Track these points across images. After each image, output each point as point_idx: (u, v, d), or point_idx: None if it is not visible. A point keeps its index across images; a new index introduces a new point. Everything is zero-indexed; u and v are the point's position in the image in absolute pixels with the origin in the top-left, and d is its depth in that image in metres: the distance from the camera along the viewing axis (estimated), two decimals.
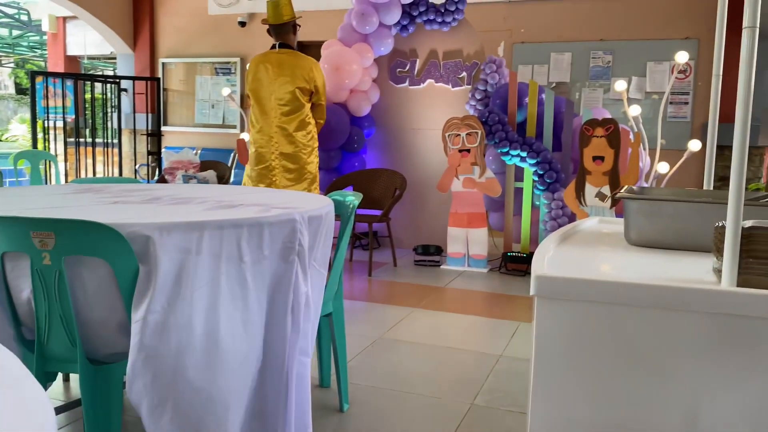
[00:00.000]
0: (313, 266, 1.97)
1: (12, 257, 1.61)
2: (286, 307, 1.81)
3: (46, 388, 1.89)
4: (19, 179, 6.03)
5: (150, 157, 8.07)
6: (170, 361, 1.59)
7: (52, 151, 7.16)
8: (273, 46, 4.27)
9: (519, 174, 5.16)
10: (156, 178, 7.50)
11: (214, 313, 1.66)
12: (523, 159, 4.95)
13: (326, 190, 5.49)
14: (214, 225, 1.66)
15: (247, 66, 4.33)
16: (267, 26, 4.36)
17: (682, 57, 4.59)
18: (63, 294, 1.56)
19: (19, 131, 15.12)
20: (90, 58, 10.14)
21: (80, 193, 2.33)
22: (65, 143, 7.46)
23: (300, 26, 4.38)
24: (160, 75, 8.56)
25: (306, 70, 4.22)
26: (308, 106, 4.29)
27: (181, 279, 1.62)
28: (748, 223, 1.05)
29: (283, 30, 4.24)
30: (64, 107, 7.30)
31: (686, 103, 6.37)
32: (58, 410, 2.34)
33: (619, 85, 4.81)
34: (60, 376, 2.65)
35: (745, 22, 0.99)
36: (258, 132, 4.17)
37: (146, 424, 1.58)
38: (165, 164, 5.43)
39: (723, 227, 1.06)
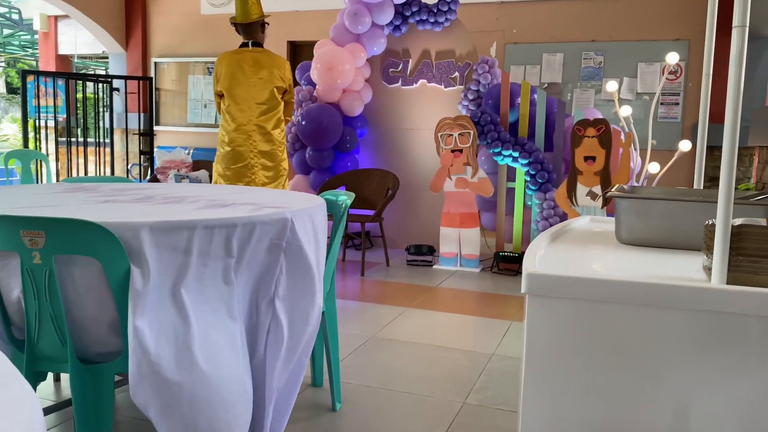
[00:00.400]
0: (303, 266, 1.97)
1: (2, 256, 1.60)
2: (266, 303, 1.82)
3: (35, 388, 1.88)
4: (10, 179, 5.99)
5: (142, 156, 8.04)
6: (173, 360, 1.59)
7: (44, 151, 7.12)
8: (244, 44, 4.24)
9: (511, 174, 5.17)
10: (148, 177, 7.47)
11: (203, 311, 1.66)
12: (515, 159, 4.96)
13: (318, 189, 5.49)
14: (206, 224, 1.66)
15: (215, 63, 4.27)
16: (235, 24, 4.34)
17: (672, 58, 4.61)
18: (53, 293, 1.55)
19: (10, 131, 15.03)
20: (81, 57, 10.09)
21: (71, 192, 2.32)
22: (56, 143, 7.43)
23: (268, 24, 4.36)
24: (152, 74, 8.53)
25: (282, 69, 4.23)
26: (282, 104, 4.30)
27: (174, 278, 1.62)
28: (738, 221, 1.06)
29: (251, 29, 4.22)
30: (55, 107, 7.26)
31: (677, 104, 6.40)
32: (49, 410, 2.32)
33: (611, 85, 4.83)
34: (50, 375, 2.64)
35: (735, 21, 1.00)
36: (235, 130, 4.14)
37: (157, 424, 1.56)
38: (157, 164, 5.41)
39: (713, 225, 1.07)
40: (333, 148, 5.69)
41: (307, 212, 1.98)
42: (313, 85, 5.74)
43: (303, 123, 5.50)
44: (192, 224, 1.65)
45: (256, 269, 1.80)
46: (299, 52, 7.86)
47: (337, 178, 5.56)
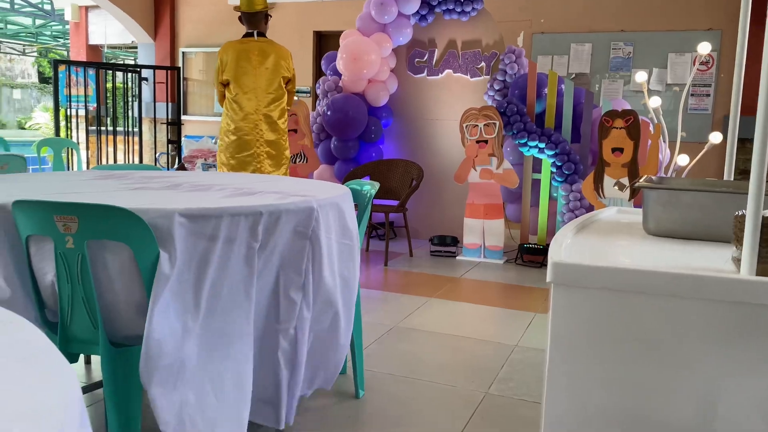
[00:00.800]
0: (330, 253, 1.99)
1: (36, 240, 1.65)
2: (294, 289, 1.85)
3: None
4: (42, 166, 6.12)
5: (170, 145, 8.14)
6: (181, 345, 1.62)
7: (74, 139, 7.25)
8: (248, 34, 4.28)
9: (537, 165, 5.13)
10: (176, 166, 7.57)
11: (221, 296, 1.69)
12: (541, 150, 4.92)
13: (343, 180, 5.51)
14: (233, 211, 1.69)
15: (219, 52, 4.29)
16: (239, 14, 4.38)
17: (704, 48, 4.52)
18: (85, 277, 1.59)
19: (42, 119, 15.33)
20: (111, 47, 10.23)
21: (102, 180, 2.36)
22: (87, 131, 7.56)
23: (271, 16, 4.39)
24: (180, 64, 8.62)
25: (287, 59, 4.30)
26: (286, 93, 4.36)
27: (199, 264, 1.65)
28: None
29: (255, 18, 4.27)
30: (86, 96, 7.39)
31: (708, 95, 6.28)
32: None
33: (640, 76, 4.76)
34: (81, 357, 2.70)
35: None
36: (243, 120, 4.19)
37: (156, 405, 1.60)
38: (185, 153, 5.47)
39: (743, 216, 1.06)
40: (358, 139, 5.70)
41: (332, 201, 2.00)
42: (339, 75, 5.75)
43: (328, 113, 5.52)
44: (219, 212, 1.68)
45: (282, 256, 1.83)
46: (325, 42, 7.86)
47: (361, 168, 5.57)
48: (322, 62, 6.02)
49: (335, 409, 2.33)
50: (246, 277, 1.74)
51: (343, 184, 2.63)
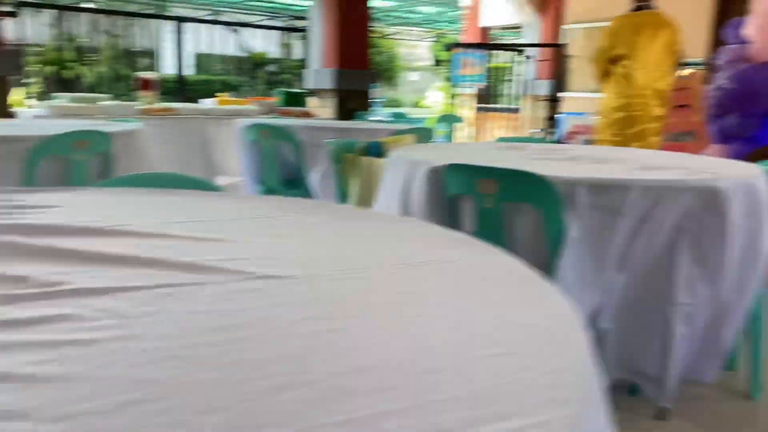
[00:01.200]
0: (735, 237, 1.85)
1: (461, 199, 1.93)
2: (693, 267, 1.78)
3: None
4: (437, 140, 6.95)
5: (547, 122, 8.37)
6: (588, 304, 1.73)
7: (462, 115, 8.03)
8: (638, 8, 4.08)
9: None
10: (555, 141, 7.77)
11: (620, 265, 1.74)
12: None
13: (745, 159, 4.91)
14: (638, 185, 1.71)
15: (610, 26, 4.17)
16: None
17: None
18: (501, 234, 1.80)
19: (434, 98, 17.33)
20: (501, 28, 10.89)
21: (505, 150, 2.60)
22: (476, 108, 8.29)
23: None
24: (564, 42, 8.72)
25: (675, 33, 4.05)
26: (674, 68, 4.08)
27: (603, 234, 1.73)
28: None
29: None
30: (474, 76, 8.08)
31: None
32: None
33: None
34: None
35: None
36: (634, 96, 4.11)
37: None
38: (566, 128, 5.58)
39: None
40: (763, 116, 4.99)
41: (745, 181, 1.85)
42: (745, 43, 5.09)
43: (730, 86, 4.96)
44: (624, 183, 1.71)
45: (685, 233, 1.77)
46: (727, 9, 7.02)
47: (764, 150, 4.88)
48: (725, 29, 5.41)
49: (722, 404, 2.17)
50: (646, 251, 1.75)
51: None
